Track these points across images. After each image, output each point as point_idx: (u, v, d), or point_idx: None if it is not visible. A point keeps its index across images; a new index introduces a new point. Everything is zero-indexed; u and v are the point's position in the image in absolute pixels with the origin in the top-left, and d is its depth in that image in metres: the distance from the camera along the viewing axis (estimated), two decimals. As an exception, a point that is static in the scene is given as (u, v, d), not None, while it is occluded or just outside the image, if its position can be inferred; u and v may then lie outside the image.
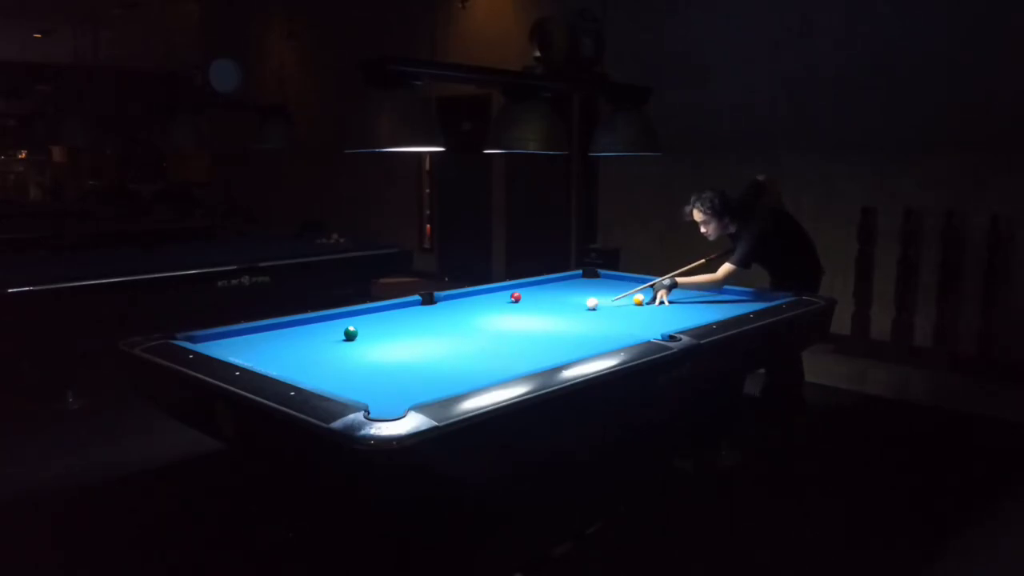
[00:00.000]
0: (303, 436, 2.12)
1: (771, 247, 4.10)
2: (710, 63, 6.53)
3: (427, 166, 9.49)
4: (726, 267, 3.98)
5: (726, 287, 4.09)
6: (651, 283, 3.99)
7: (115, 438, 4.20)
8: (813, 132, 5.92)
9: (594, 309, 3.73)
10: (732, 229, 4.14)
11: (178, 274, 4.86)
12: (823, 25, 5.88)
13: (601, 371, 2.53)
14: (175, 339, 2.93)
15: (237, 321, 3.21)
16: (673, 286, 3.93)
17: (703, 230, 4.16)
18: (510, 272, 7.90)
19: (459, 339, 3.22)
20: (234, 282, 5.03)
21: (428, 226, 9.62)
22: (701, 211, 4.09)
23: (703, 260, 4.29)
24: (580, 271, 4.86)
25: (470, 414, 2.10)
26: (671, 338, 2.90)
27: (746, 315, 3.38)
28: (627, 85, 3.90)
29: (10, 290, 4.17)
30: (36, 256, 5.98)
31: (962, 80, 5.27)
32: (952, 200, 5.38)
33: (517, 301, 3.92)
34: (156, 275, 4.75)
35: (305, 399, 2.18)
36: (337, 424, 2.00)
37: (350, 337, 3.09)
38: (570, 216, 7.75)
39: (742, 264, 3.98)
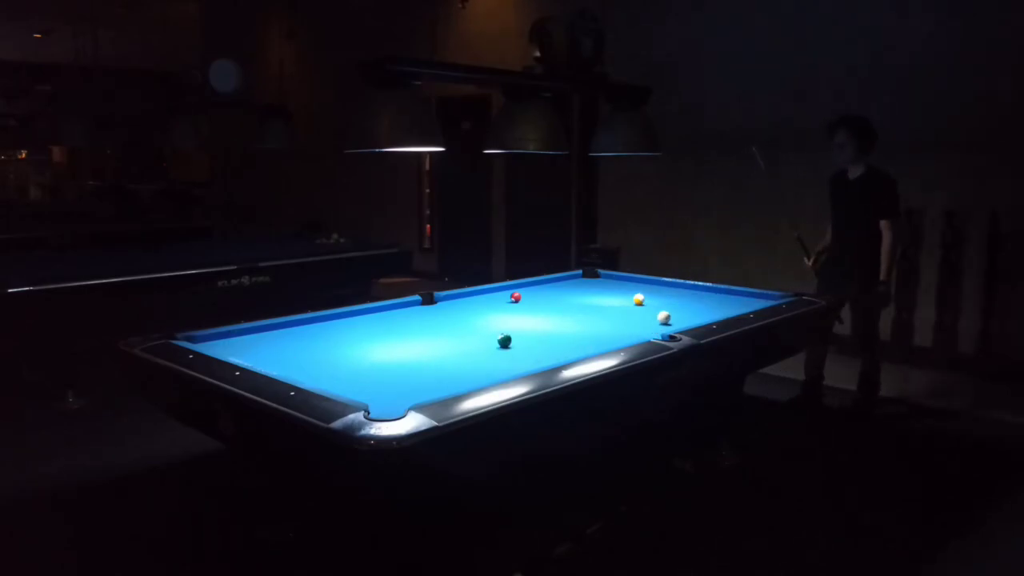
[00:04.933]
0: (303, 436, 2.11)
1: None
2: (710, 63, 6.53)
3: (427, 166, 9.49)
4: (885, 224, 4.28)
5: (727, 287, 4.10)
6: (868, 303, 4.24)
7: (115, 438, 4.20)
8: (813, 132, 5.92)
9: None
10: (857, 171, 4.39)
11: (178, 274, 4.85)
12: (822, 25, 5.88)
13: (601, 371, 2.52)
14: (175, 339, 2.93)
15: (237, 321, 3.21)
16: (889, 286, 4.33)
17: (836, 152, 4.41)
18: (510, 272, 7.90)
19: (459, 339, 3.22)
20: (234, 282, 5.03)
21: (428, 226, 9.62)
22: (848, 128, 4.34)
23: (823, 246, 4.66)
24: (580, 271, 4.85)
25: (470, 414, 2.10)
26: (671, 338, 2.90)
27: (746, 315, 3.38)
28: (627, 85, 3.90)
29: (10, 290, 4.17)
30: (36, 256, 5.97)
31: (962, 80, 5.27)
32: (952, 200, 5.38)
33: (517, 301, 3.92)
34: (156, 275, 4.75)
35: (305, 399, 2.18)
36: (337, 424, 2.00)
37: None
38: (570, 216, 7.75)
39: (897, 213, 4.31)
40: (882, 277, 4.30)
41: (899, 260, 5.53)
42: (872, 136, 4.36)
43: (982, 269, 5.24)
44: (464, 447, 2.11)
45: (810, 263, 4.67)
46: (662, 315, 3.38)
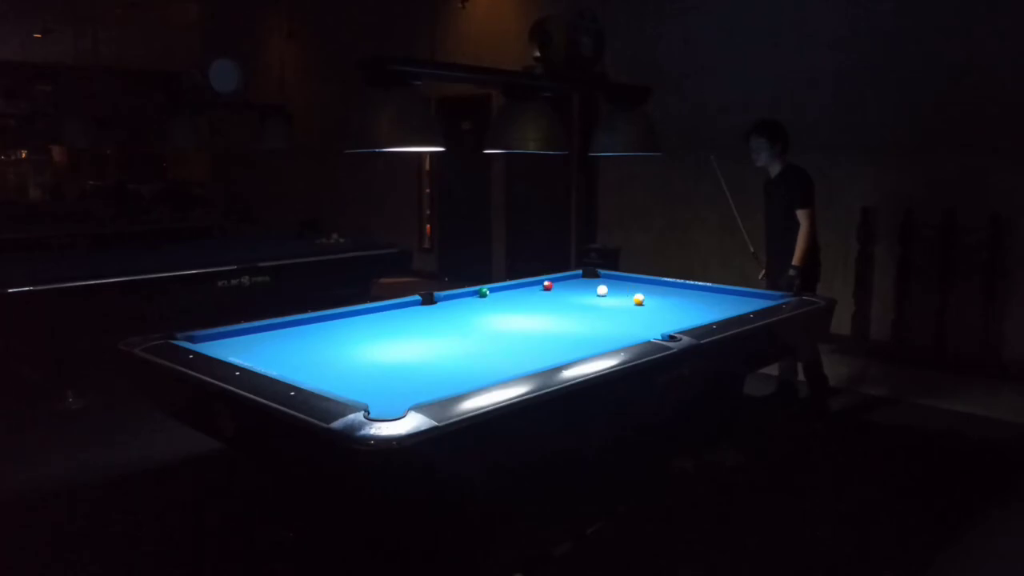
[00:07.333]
0: (303, 436, 2.11)
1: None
2: (710, 63, 6.53)
3: (427, 166, 9.49)
4: (801, 213, 4.39)
5: (727, 287, 4.11)
6: (780, 289, 4.10)
7: (115, 438, 4.20)
8: (813, 132, 5.92)
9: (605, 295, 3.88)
10: (775, 169, 4.57)
11: (178, 274, 4.86)
12: (823, 25, 5.88)
13: (601, 371, 2.52)
14: (175, 339, 2.93)
15: (237, 321, 3.21)
16: (798, 273, 4.32)
17: (754, 156, 4.60)
18: (510, 272, 7.90)
19: (459, 339, 3.22)
20: (234, 282, 5.03)
21: (428, 226, 9.62)
22: (760, 132, 4.54)
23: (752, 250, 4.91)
24: (580, 271, 4.85)
25: (470, 414, 2.10)
26: (671, 338, 2.90)
27: (746, 315, 3.38)
28: (627, 85, 3.90)
29: (10, 290, 4.17)
30: (36, 256, 5.97)
31: (962, 80, 5.27)
32: (952, 200, 5.38)
33: (549, 290, 4.06)
34: (156, 275, 4.75)
35: (305, 399, 2.18)
36: (337, 424, 2.00)
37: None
38: (570, 216, 7.75)
39: (810, 203, 4.41)
40: (794, 262, 4.39)
41: (899, 260, 5.55)
42: (783, 137, 4.56)
43: (982, 269, 5.25)
44: (464, 447, 2.11)
45: (761, 277, 4.78)
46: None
